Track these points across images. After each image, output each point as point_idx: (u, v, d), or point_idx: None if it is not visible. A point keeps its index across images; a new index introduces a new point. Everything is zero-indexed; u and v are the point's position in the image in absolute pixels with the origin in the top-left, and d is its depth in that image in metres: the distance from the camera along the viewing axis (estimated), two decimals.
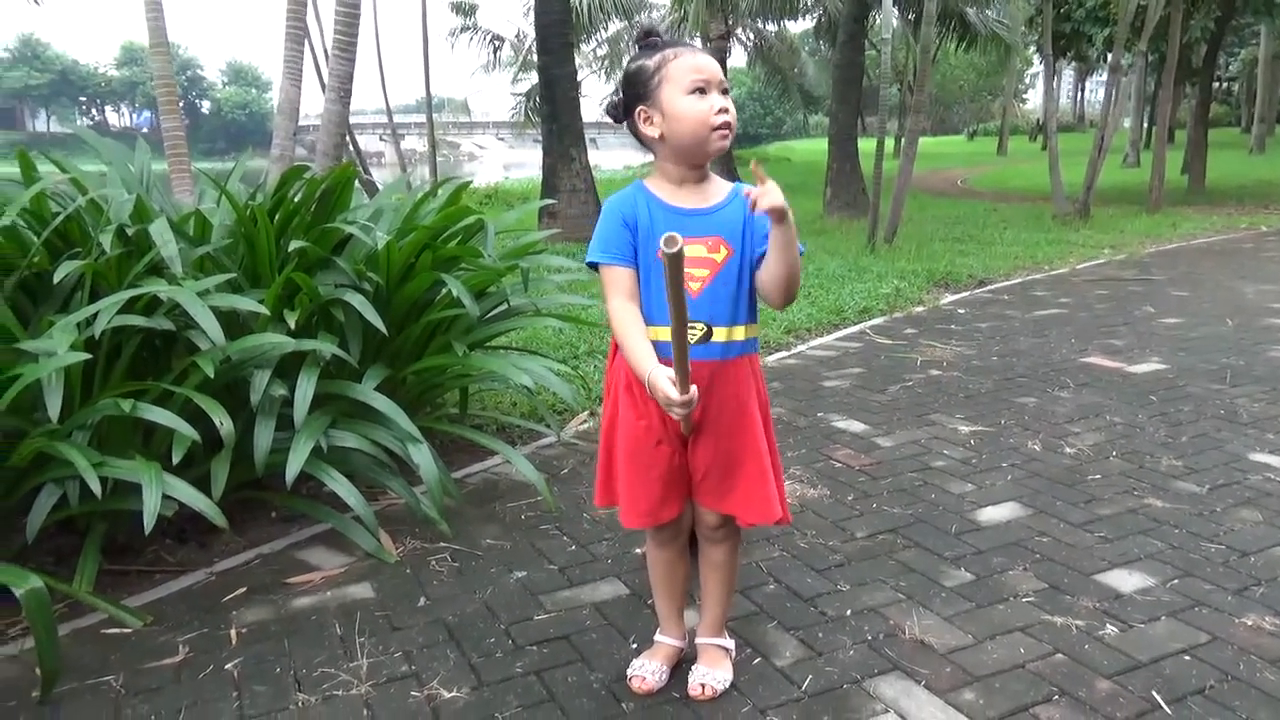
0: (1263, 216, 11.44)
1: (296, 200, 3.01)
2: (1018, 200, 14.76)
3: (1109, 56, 16.83)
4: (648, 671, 1.94)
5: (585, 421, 3.76)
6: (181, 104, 6.08)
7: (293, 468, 2.38)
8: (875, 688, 1.91)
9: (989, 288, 6.80)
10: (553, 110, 8.51)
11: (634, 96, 1.73)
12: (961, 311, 5.88)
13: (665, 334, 1.70)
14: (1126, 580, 2.33)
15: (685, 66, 1.67)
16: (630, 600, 2.33)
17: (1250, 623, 2.11)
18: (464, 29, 22.55)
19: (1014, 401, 3.84)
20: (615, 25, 22.98)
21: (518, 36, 24.14)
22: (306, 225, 2.99)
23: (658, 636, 2.02)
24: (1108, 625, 2.12)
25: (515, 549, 2.66)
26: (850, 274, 6.96)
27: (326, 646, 2.16)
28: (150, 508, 2.00)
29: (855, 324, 5.54)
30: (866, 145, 10.86)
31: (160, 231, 2.49)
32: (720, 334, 1.75)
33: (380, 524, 2.74)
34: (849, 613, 2.22)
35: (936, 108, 44.71)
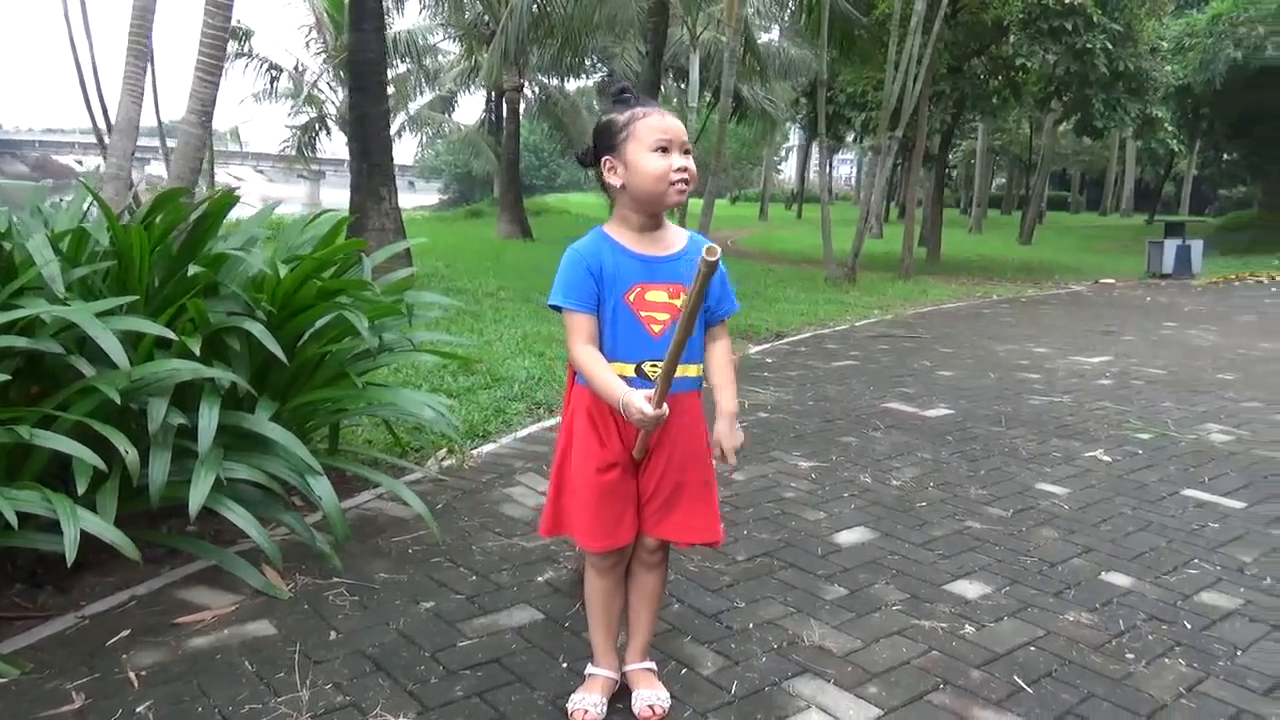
0: (991, 287, 13.17)
1: (156, 223, 2.88)
2: (787, 263, 16.03)
3: (864, 138, 18.82)
4: (590, 704, 1.98)
5: (447, 458, 3.78)
6: None
7: (195, 500, 2.29)
8: (794, 687, 2.13)
9: (786, 340, 7.41)
10: (363, 148, 8.37)
11: (603, 147, 1.88)
12: (769, 361, 6.39)
13: (625, 370, 1.87)
14: (970, 589, 2.71)
15: (651, 126, 1.83)
16: (548, 624, 2.42)
17: (1071, 618, 2.53)
18: (239, 55, 21.45)
19: (838, 440, 4.27)
20: (403, 67, 22.79)
21: (297, 68, 23.32)
22: (180, 251, 2.87)
23: (594, 669, 2.05)
24: (966, 626, 2.47)
25: (413, 581, 2.66)
26: None
27: (245, 684, 2.09)
28: (71, 540, 1.87)
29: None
30: None
31: (40, 249, 2.33)
32: (677, 370, 1.88)
33: (263, 560, 2.65)
34: (751, 625, 2.44)
35: (704, 173, 47.58)
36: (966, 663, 2.28)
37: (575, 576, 2.61)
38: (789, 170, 63.17)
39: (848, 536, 3.09)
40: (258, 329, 2.57)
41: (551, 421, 4.46)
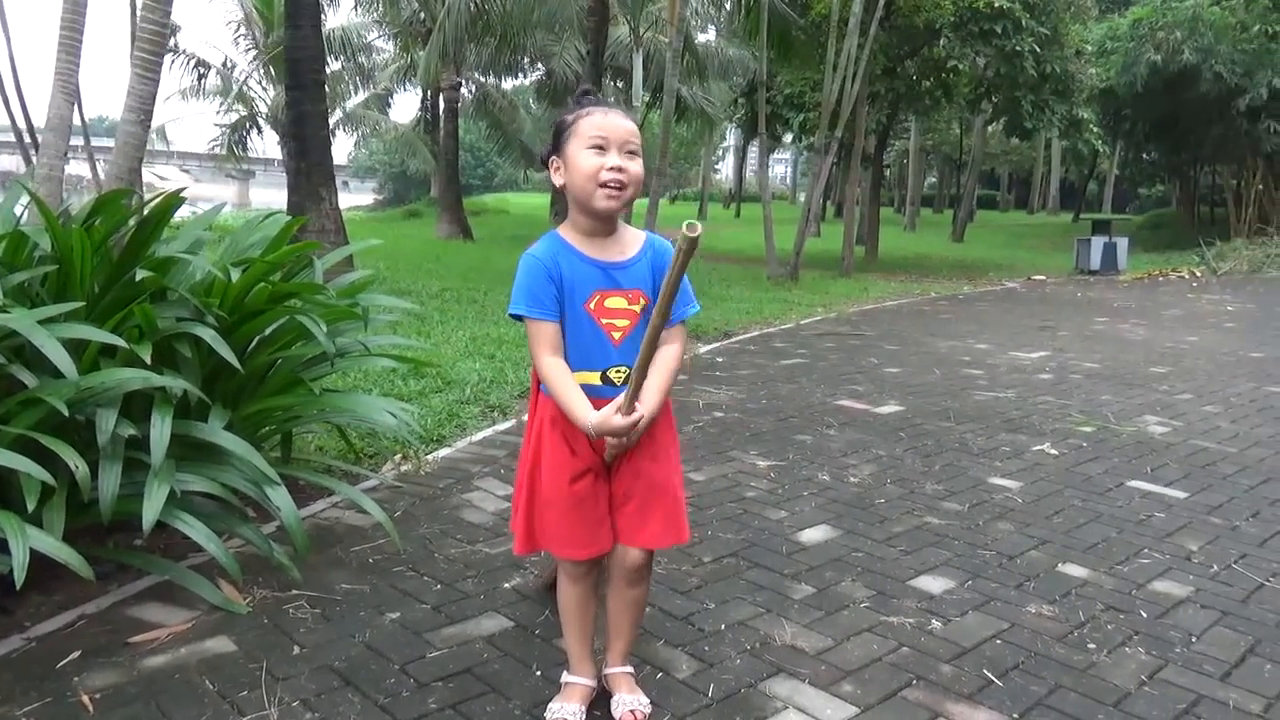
0: (929, 284, 13.43)
1: (97, 225, 2.77)
2: (729, 262, 16.13)
3: (801, 138, 19.04)
4: (568, 713, 1.95)
5: (403, 464, 3.71)
6: None
7: (149, 515, 2.20)
8: (770, 689, 2.13)
9: (735, 339, 7.45)
10: (302, 147, 8.17)
11: (551, 147, 1.86)
12: (720, 360, 6.41)
13: (590, 378, 1.83)
14: (934, 584, 2.75)
15: (591, 123, 1.78)
16: (518, 632, 2.38)
17: (1034, 610, 2.58)
18: (164, 51, 20.77)
19: (794, 439, 4.30)
20: (337, 64, 22.33)
21: (225, 65, 22.69)
22: (123, 254, 2.76)
23: (571, 678, 2.01)
24: (933, 621, 2.51)
25: (376, 592, 2.60)
26: None
27: (207, 704, 2.01)
28: (20, 562, 1.78)
29: None
30: None
31: None
32: None
33: (217, 574, 2.56)
34: (723, 627, 2.43)
35: (649, 174, 47.49)
36: (936, 658, 2.30)
37: (544, 584, 2.57)
38: (726, 170, 63.68)
39: (811, 535, 3.11)
40: (209, 334, 2.48)
41: (506, 425, 4.41)
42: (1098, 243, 15.86)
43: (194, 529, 2.33)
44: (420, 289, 9.06)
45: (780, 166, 68.08)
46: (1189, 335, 8.29)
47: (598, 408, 1.78)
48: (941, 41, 15.45)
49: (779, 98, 17.01)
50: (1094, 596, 2.68)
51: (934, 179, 49.95)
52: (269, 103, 21.81)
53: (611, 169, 1.76)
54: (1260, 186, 19.36)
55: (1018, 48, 14.76)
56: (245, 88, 21.36)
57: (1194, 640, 2.43)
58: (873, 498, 3.50)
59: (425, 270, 11.13)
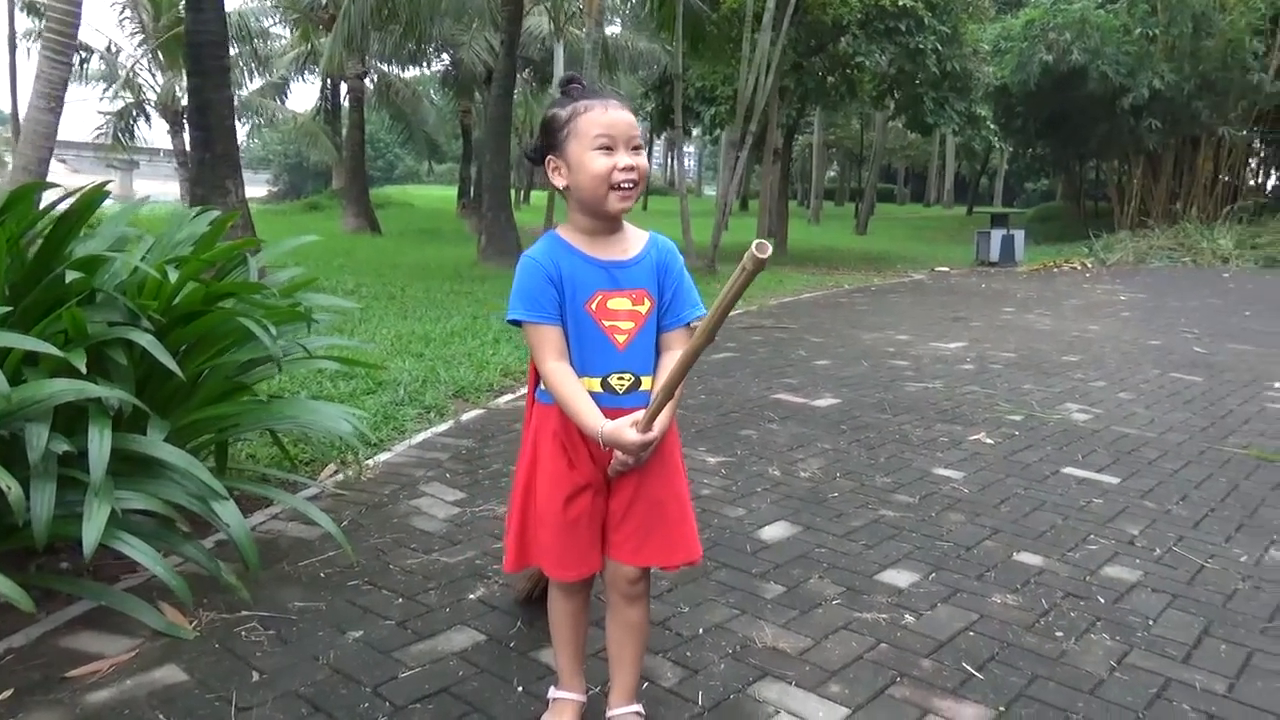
0: (840, 276, 13.71)
1: (6, 222, 2.54)
2: None
3: (712, 131, 19.18)
4: None
5: (341, 470, 3.54)
6: None
7: (90, 536, 2.02)
8: (759, 693, 2.10)
9: None
10: (206, 137, 7.76)
11: (546, 145, 1.74)
12: None
13: (590, 384, 1.74)
14: (899, 578, 2.76)
15: (593, 120, 1.67)
16: (491, 646, 2.29)
17: (999, 601, 2.62)
18: (40, 34, 19.55)
19: (738, 434, 4.29)
20: (233, 50, 21.35)
21: (110, 49, 21.50)
22: (39, 254, 2.54)
23: (560, 693, 1.93)
24: (905, 615, 2.52)
25: (333, 609, 2.46)
26: None
27: None
28: None
29: None
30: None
31: None
32: (646, 383, 1.78)
33: (157, 596, 2.39)
34: (701, 631, 2.39)
35: None
36: (915, 653, 2.31)
37: (520, 596, 2.46)
38: None
39: (771, 532, 3.10)
40: (147, 339, 2.30)
41: (444, 426, 4.28)
42: (997, 235, 16.45)
43: (137, 550, 2.16)
44: (334, 286, 8.74)
45: (686, 160, 68.65)
46: (1091, 324, 8.66)
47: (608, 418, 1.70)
48: (847, 38, 15.77)
49: (690, 91, 17.06)
50: (1052, 584, 2.74)
51: (833, 173, 51.06)
52: (158, 90, 20.78)
53: (623, 169, 1.66)
54: (1141, 181, 20.42)
55: (920, 45, 15.17)
56: (133, 74, 20.26)
57: (1152, 624, 2.51)
58: (825, 492, 3.52)
59: (336, 266, 10.76)
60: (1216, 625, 2.51)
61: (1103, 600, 2.64)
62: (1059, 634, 2.43)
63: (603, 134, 1.67)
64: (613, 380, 1.76)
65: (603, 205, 1.70)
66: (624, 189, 1.68)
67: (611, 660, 1.91)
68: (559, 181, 1.74)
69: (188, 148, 20.37)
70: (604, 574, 1.85)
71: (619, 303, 1.75)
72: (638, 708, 1.93)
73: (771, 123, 14.39)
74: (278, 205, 32.95)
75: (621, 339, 1.75)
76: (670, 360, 1.76)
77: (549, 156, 1.74)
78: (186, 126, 21.12)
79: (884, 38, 15.24)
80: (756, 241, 1.37)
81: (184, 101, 21.47)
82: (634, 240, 1.82)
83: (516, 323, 1.74)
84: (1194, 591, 2.72)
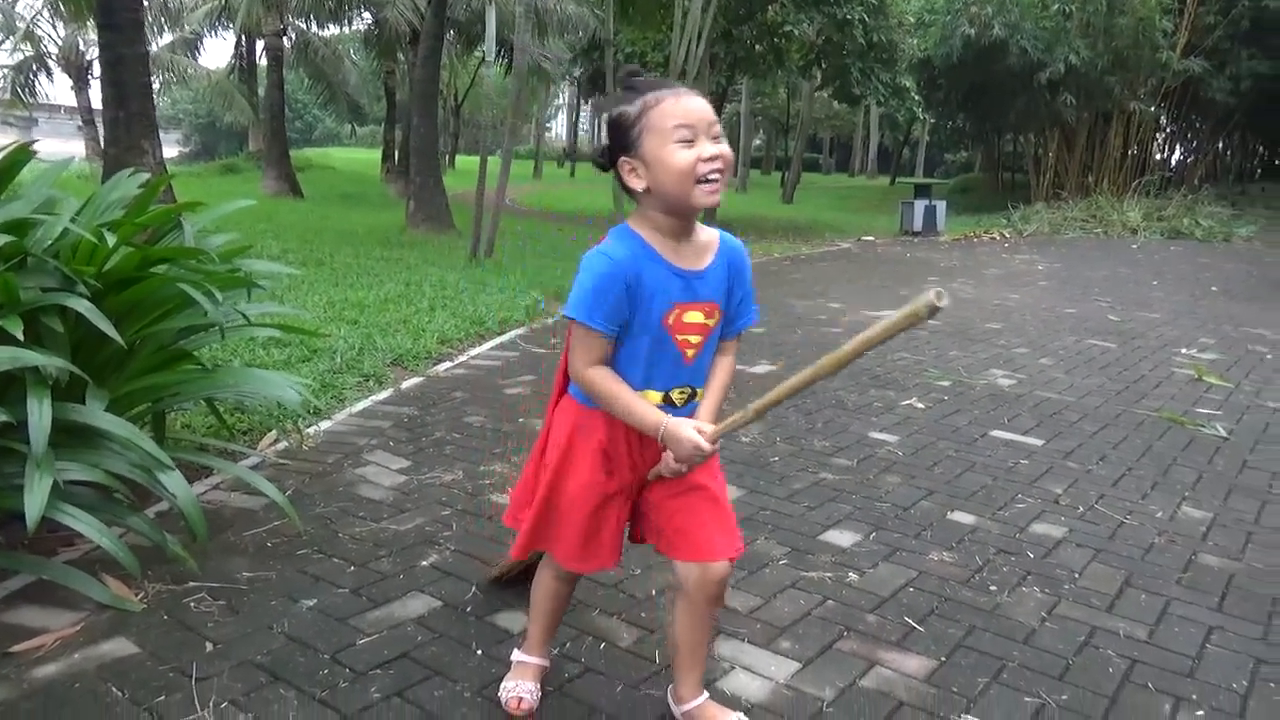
0: (769, 244, 13.85)
1: None
2: (571, 222, 16.04)
3: None
4: (524, 691, 1.89)
5: (277, 440, 3.48)
6: None
7: (33, 509, 1.96)
8: (713, 650, 2.16)
9: None
10: (119, 95, 7.40)
11: (618, 146, 1.62)
12: None
13: (653, 398, 1.68)
14: (842, 538, 2.86)
15: (667, 113, 1.56)
16: (448, 611, 2.30)
17: (936, 558, 2.74)
18: None
19: None
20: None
21: None
22: None
23: (524, 656, 1.95)
24: (849, 574, 2.61)
25: (284, 578, 2.44)
26: (473, 286, 7.13)
27: (120, 713, 1.84)
28: None
29: (500, 334, 5.75)
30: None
31: None
32: (699, 394, 1.76)
33: (99, 568, 2.34)
34: (654, 593, 2.45)
35: (470, 129, 46.48)
36: (860, 609, 2.40)
37: (495, 576, 2.43)
38: (557, 128, 63.09)
39: None
40: (84, 306, 2.23)
41: (384, 394, 4.23)
42: (920, 205, 16.80)
43: (81, 522, 2.11)
44: (259, 251, 8.47)
45: None
46: (1011, 293, 8.96)
47: None
48: (776, 6, 15.84)
49: (620, 56, 16.95)
50: (985, 541, 2.87)
51: (759, 141, 51.40)
52: (60, 43, 19.73)
53: (708, 160, 1.55)
54: (1056, 154, 21.08)
55: (848, 16, 15.34)
56: (33, 26, 19.18)
57: (1077, 577, 2.65)
58: (767, 456, 3.60)
59: (259, 231, 10.42)
60: (1136, 577, 2.67)
61: (1032, 555, 2.78)
62: (993, 588, 2.56)
63: (681, 124, 1.55)
64: (674, 394, 1.71)
65: (689, 200, 1.58)
66: (711, 181, 1.57)
67: (684, 654, 1.84)
68: (637, 184, 1.61)
69: (94, 104, 19.46)
70: (678, 575, 1.78)
71: (693, 316, 1.67)
72: (708, 695, 1.89)
73: (704, 90, 14.38)
74: (190, 166, 31.69)
75: (691, 353, 1.69)
76: (719, 364, 1.76)
77: (623, 159, 1.61)
78: (94, 82, 20.20)
79: (812, 7, 15.37)
80: (937, 290, 1.29)
81: (89, 56, 20.59)
82: (707, 243, 1.71)
83: (573, 319, 1.62)
84: (1115, 546, 2.88)
